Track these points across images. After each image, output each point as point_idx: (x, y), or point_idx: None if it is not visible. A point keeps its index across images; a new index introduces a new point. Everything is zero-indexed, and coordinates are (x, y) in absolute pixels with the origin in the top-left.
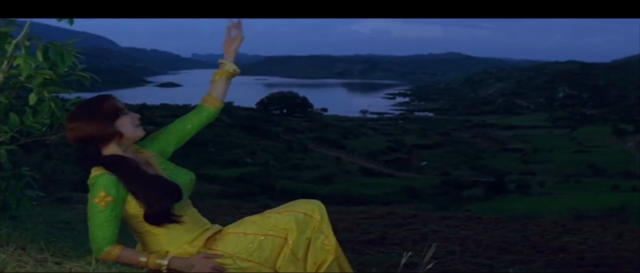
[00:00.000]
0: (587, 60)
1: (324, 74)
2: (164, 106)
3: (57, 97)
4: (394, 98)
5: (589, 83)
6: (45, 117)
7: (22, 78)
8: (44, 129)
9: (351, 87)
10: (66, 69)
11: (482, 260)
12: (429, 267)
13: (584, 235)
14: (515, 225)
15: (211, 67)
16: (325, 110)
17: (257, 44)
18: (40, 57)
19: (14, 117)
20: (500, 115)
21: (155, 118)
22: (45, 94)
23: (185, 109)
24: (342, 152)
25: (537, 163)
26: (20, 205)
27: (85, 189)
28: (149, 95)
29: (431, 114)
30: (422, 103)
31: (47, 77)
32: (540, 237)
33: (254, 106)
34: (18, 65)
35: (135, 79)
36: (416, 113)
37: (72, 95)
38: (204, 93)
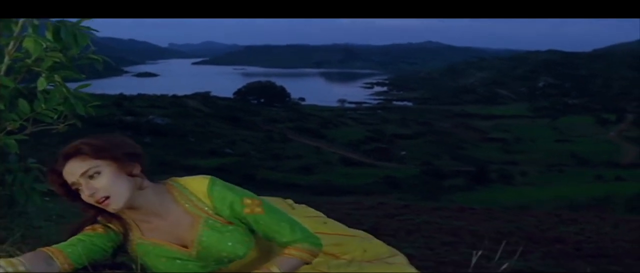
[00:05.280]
0: (568, 49)
1: (303, 64)
2: (141, 96)
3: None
4: (372, 87)
5: (570, 72)
6: (58, 103)
7: (29, 61)
8: (56, 117)
9: (329, 77)
10: (78, 51)
11: (479, 251)
12: (504, 267)
13: (580, 226)
14: (509, 216)
15: (188, 57)
16: (303, 99)
17: (235, 33)
18: (50, 38)
19: (23, 104)
20: (482, 104)
21: (134, 108)
22: (57, 78)
23: (162, 99)
24: (321, 142)
25: (519, 153)
26: (30, 200)
27: None
28: (126, 85)
29: (410, 104)
30: (401, 92)
31: (57, 60)
32: (536, 227)
33: (231, 96)
34: (25, 47)
35: (113, 69)
36: (395, 102)
37: (75, 85)
38: (181, 83)
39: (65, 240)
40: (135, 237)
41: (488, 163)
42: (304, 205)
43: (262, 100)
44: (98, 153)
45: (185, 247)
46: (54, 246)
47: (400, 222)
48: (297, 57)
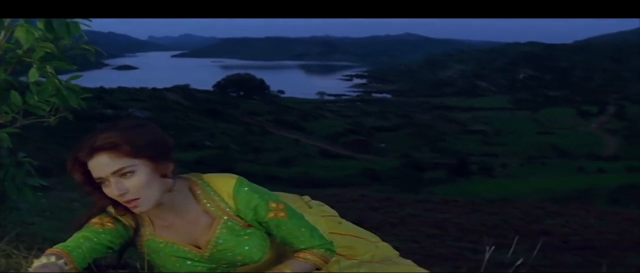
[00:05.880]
0: (548, 41)
1: (282, 56)
2: (121, 89)
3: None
4: (351, 79)
5: (551, 64)
6: (50, 95)
7: (20, 51)
8: (49, 109)
9: (308, 69)
10: (71, 41)
11: (465, 244)
12: (519, 262)
13: (566, 218)
14: (494, 209)
15: (167, 50)
16: (282, 92)
17: (213, 26)
18: (41, 28)
19: (15, 96)
20: (461, 97)
21: (115, 101)
22: (49, 69)
23: (142, 92)
24: (301, 134)
25: (499, 145)
26: (22, 195)
27: (61, 174)
28: (106, 78)
29: (389, 96)
30: (380, 84)
31: (48, 50)
32: (521, 220)
33: (210, 88)
34: (16, 37)
35: (93, 62)
36: (374, 95)
37: (66, 76)
38: (160, 76)
39: (73, 233)
40: (146, 233)
41: (468, 156)
42: (319, 202)
43: (241, 92)
44: (137, 152)
45: (198, 247)
46: (60, 246)
47: (384, 215)
48: (276, 50)
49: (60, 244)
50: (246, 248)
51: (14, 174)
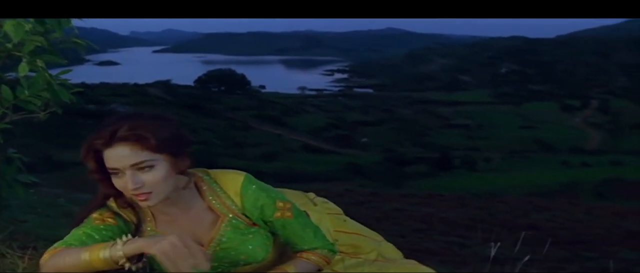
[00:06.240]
0: (530, 35)
1: (264, 51)
2: (103, 85)
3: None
4: (332, 74)
5: (533, 59)
6: (41, 90)
7: (10, 45)
8: (40, 104)
9: (289, 64)
10: (61, 34)
11: (452, 239)
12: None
13: (553, 212)
14: (480, 203)
15: (150, 45)
16: (263, 87)
17: (196, 21)
18: (31, 20)
19: (6, 91)
20: (443, 91)
21: (97, 97)
22: (39, 63)
23: (124, 87)
24: (283, 129)
25: (482, 139)
26: (12, 192)
27: (45, 170)
28: (88, 73)
29: (371, 90)
30: (362, 79)
31: (39, 44)
32: (507, 214)
33: (192, 84)
34: (5, 31)
35: (75, 58)
36: (356, 89)
37: (54, 71)
38: (143, 71)
39: (71, 228)
40: (147, 228)
41: (451, 150)
42: (324, 199)
43: (223, 88)
44: (160, 146)
45: (201, 245)
46: (61, 244)
47: (368, 210)
48: (258, 44)
49: (61, 242)
50: (250, 247)
51: (4, 171)
